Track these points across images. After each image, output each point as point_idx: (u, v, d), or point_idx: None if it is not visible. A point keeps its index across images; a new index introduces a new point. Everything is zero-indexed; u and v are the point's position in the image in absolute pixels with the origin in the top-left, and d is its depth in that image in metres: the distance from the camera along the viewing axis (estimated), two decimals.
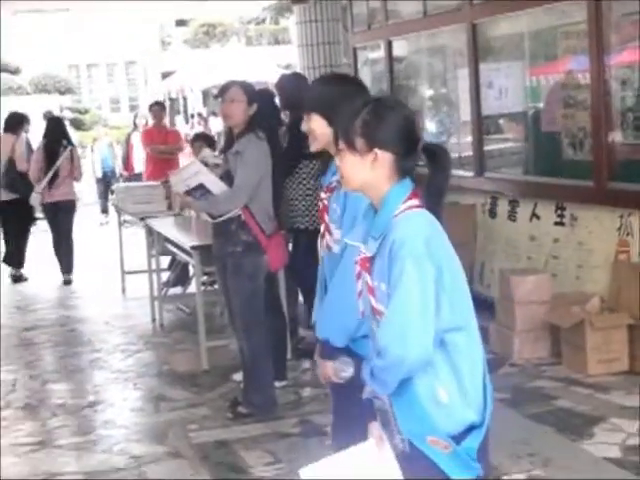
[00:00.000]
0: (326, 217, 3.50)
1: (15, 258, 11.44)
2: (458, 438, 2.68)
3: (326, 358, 3.41)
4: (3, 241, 11.60)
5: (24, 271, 11.51)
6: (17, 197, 11.01)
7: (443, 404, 2.66)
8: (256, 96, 5.93)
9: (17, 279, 11.42)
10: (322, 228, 3.55)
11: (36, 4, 13.67)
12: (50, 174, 10.73)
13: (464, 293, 2.74)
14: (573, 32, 7.04)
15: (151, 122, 13.83)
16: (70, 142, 11.26)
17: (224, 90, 5.95)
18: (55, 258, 11.33)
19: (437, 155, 2.78)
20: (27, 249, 11.54)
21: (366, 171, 2.74)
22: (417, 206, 2.69)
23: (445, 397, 2.66)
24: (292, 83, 7.40)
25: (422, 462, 2.71)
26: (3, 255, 11.55)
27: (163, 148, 12.30)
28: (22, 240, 11.43)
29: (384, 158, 2.71)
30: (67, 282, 11.05)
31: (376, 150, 2.71)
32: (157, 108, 13.08)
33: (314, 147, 3.56)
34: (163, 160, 11.97)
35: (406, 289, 2.58)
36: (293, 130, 6.68)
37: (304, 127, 3.59)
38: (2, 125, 11.89)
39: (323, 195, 3.54)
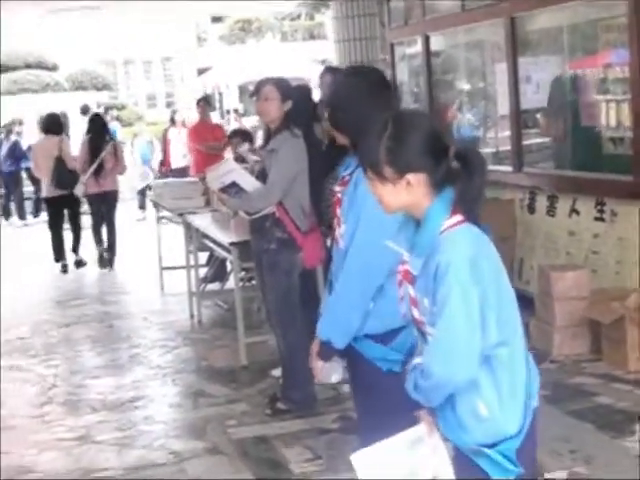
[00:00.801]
0: (338, 210, 3.48)
1: (76, 246, 12.17)
2: (495, 444, 2.69)
3: (325, 359, 3.42)
4: (71, 232, 12.22)
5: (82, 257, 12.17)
6: (67, 193, 11.62)
7: (483, 418, 2.67)
8: (290, 92, 5.93)
9: (78, 263, 12.08)
10: (335, 222, 3.54)
11: (65, 3, 13.71)
12: (94, 166, 11.39)
13: (510, 305, 2.72)
14: (613, 25, 6.97)
15: (195, 118, 13.90)
16: (112, 137, 12.04)
17: (258, 88, 5.98)
18: (93, 245, 11.99)
19: (470, 159, 2.66)
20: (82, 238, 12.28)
21: (402, 196, 2.67)
22: (460, 222, 2.62)
23: (485, 411, 2.66)
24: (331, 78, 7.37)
25: (463, 459, 2.75)
26: (71, 244, 12.21)
27: (213, 144, 12.33)
28: (77, 231, 12.17)
29: (417, 180, 2.64)
30: (105, 267, 11.78)
31: (408, 176, 2.64)
32: (204, 103, 13.31)
33: (339, 141, 3.57)
34: (212, 156, 11.97)
35: (451, 316, 2.56)
36: None
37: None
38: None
39: (337, 188, 3.53)
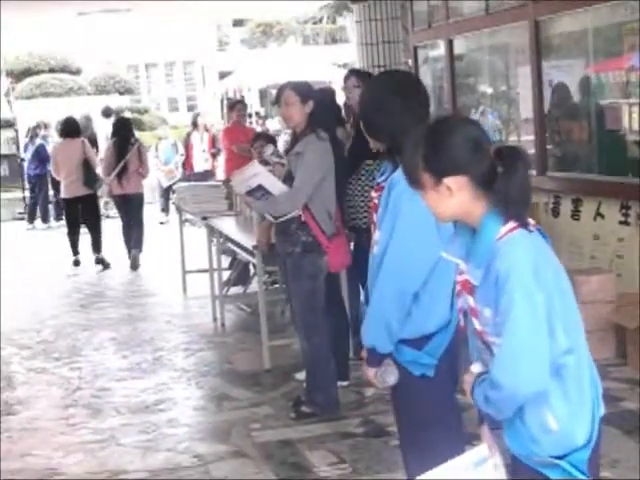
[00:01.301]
0: (374, 216, 3.49)
1: (96, 245, 12.46)
2: (565, 455, 2.64)
3: (373, 365, 3.42)
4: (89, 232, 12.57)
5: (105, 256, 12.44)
6: (89, 194, 12.12)
7: (552, 431, 2.61)
8: (310, 93, 5.94)
9: (99, 261, 12.36)
10: (372, 228, 3.55)
11: (99, 4, 13.83)
12: (118, 168, 11.73)
13: (574, 311, 2.68)
14: (637, 28, 6.93)
15: (216, 121, 13.97)
16: (137, 140, 12.32)
17: (279, 95, 6.07)
18: (124, 245, 12.33)
19: (510, 158, 2.58)
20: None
21: (448, 203, 2.62)
22: (516, 227, 2.56)
23: (555, 425, 2.61)
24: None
25: (527, 472, 2.70)
26: (91, 243, 12.55)
27: (245, 146, 12.35)
28: (99, 227, 12.57)
29: (458, 184, 2.58)
30: (136, 268, 12.05)
31: (444, 180, 2.58)
32: (241, 106, 13.37)
33: (372, 145, 3.58)
34: (244, 158, 11.99)
35: (516, 323, 2.50)
36: (357, 128, 6.66)
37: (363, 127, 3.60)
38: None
39: (374, 194, 3.54)
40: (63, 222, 16.79)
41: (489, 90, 9.68)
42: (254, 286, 9.36)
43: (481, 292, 2.60)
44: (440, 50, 10.11)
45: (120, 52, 31.93)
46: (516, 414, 2.64)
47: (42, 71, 29.77)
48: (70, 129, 12.34)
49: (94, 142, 17.18)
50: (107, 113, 19.86)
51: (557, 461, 2.63)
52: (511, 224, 2.56)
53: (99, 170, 12.31)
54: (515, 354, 2.52)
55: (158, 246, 13.22)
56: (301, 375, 6.43)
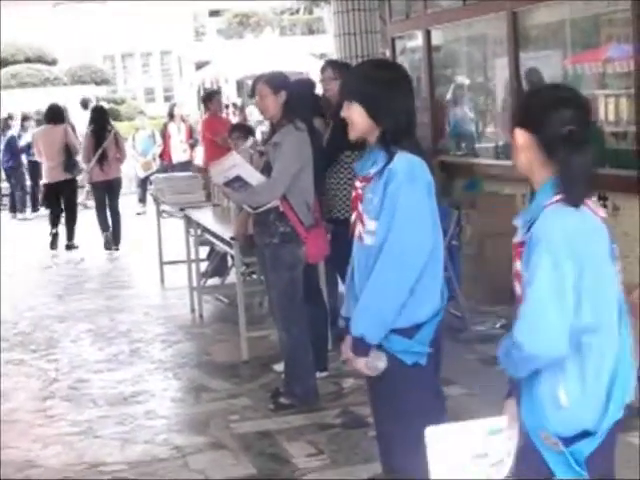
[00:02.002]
0: (360, 206, 3.48)
1: (70, 231, 13.08)
2: (569, 441, 2.65)
3: (361, 355, 3.41)
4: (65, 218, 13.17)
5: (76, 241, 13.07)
6: (69, 178, 12.81)
7: (562, 407, 2.64)
8: (283, 84, 5.94)
9: (70, 248, 12.92)
10: (353, 216, 3.54)
11: None
12: (97, 155, 12.23)
13: (610, 295, 2.71)
14: (616, 20, 6.96)
15: (192, 112, 13.97)
16: (113, 128, 12.82)
17: (253, 88, 6.15)
18: (99, 232, 12.71)
19: (577, 136, 2.64)
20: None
21: (519, 155, 2.73)
22: (565, 200, 2.62)
23: (565, 401, 2.64)
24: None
25: (532, 455, 2.72)
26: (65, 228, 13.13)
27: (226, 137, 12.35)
28: (75, 213, 13.18)
29: (524, 138, 2.69)
30: (110, 248, 12.57)
31: (515, 130, 2.70)
32: (219, 97, 13.43)
33: (352, 135, 3.56)
34: (223, 148, 11.96)
35: (539, 287, 2.56)
36: (335, 120, 6.66)
37: (343, 115, 3.57)
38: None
39: (358, 184, 3.53)
40: (39, 213, 16.85)
41: (466, 81, 9.69)
42: (232, 277, 9.35)
43: (525, 253, 2.66)
44: (417, 41, 10.12)
45: (96, 42, 31.81)
46: (532, 383, 2.68)
47: (18, 61, 29.61)
48: (53, 115, 12.89)
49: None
50: (85, 104, 19.80)
51: (561, 447, 2.64)
52: (560, 196, 2.62)
53: (79, 157, 12.74)
54: (535, 316, 2.58)
55: (135, 237, 13.17)
56: (279, 367, 6.43)
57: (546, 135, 2.65)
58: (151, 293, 9.80)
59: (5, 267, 11.55)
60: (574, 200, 2.62)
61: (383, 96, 3.46)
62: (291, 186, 5.78)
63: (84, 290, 10.30)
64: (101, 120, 12.62)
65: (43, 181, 13.43)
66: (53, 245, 13.00)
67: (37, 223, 16.24)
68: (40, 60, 30.02)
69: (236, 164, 5.95)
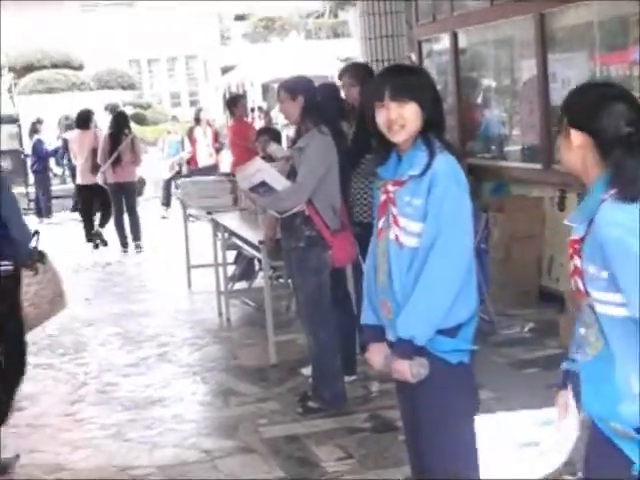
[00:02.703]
0: (394, 209, 3.46)
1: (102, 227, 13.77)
2: None
3: (407, 357, 3.40)
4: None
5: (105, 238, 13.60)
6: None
7: (632, 393, 2.60)
8: (300, 88, 5.95)
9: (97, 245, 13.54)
10: (382, 220, 3.52)
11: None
12: (112, 158, 12.72)
13: None
14: None
15: (219, 116, 14.02)
16: (131, 132, 13.30)
17: (278, 93, 6.14)
18: (116, 234, 13.12)
19: (634, 137, 2.64)
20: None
21: (569, 153, 2.73)
22: (621, 194, 2.60)
23: (636, 387, 2.60)
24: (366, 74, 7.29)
25: (605, 447, 2.68)
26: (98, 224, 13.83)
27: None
28: (106, 216, 13.71)
29: (579, 139, 2.68)
30: (138, 247, 13.01)
31: (570, 129, 2.69)
32: (244, 101, 13.56)
33: (401, 137, 3.49)
34: (250, 153, 12.03)
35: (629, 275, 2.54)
36: (359, 123, 6.66)
37: (392, 114, 3.49)
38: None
39: (390, 188, 3.49)
40: (64, 217, 16.97)
41: (493, 83, 9.66)
42: (259, 281, 9.36)
43: (587, 248, 2.65)
44: (444, 44, 10.08)
45: (122, 47, 31.92)
46: (600, 373, 2.66)
47: (45, 66, 29.80)
48: (81, 121, 13.85)
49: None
50: (112, 109, 19.89)
51: (635, 434, 2.60)
52: (616, 190, 2.61)
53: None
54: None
55: (161, 241, 13.21)
56: (307, 370, 6.42)
57: (604, 137, 2.65)
58: (178, 297, 9.81)
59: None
60: (630, 196, 2.61)
61: (436, 96, 3.55)
62: (317, 190, 5.77)
63: (111, 293, 10.33)
64: (120, 124, 13.13)
65: (77, 182, 14.47)
66: (96, 246, 13.53)
67: (64, 227, 16.32)
68: (66, 65, 30.19)
69: (261, 169, 5.95)
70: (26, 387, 6.91)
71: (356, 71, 7.20)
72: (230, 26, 39.65)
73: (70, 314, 9.24)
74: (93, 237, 13.62)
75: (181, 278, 10.20)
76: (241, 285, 9.43)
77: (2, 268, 5.23)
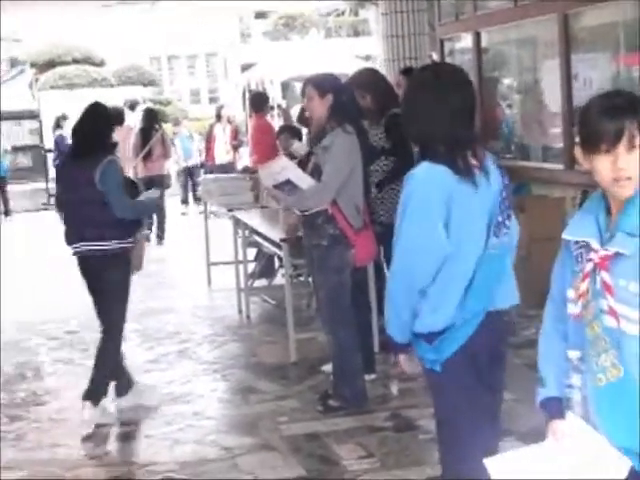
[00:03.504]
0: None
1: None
2: None
3: (396, 352, 3.54)
4: None
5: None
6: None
7: None
8: (330, 86, 5.91)
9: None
10: None
11: None
12: (144, 152, 13.28)
13: None
14: None
15: (239, 114, 14.07)
16: (161, 127, 13.91)
17: (303, 90, 6.10)
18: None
19: None
20: None
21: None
22: None
23: None
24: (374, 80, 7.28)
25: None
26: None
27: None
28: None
29: None
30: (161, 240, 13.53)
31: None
32: (266, 99, 13.68)
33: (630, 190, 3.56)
34: (275, 150, 12.06)
35: None
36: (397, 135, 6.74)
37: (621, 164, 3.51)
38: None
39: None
40: None
41: (515, 83, 9.63)
42: (279, 279, 9.37)
43: (630, 263, 2.51)
44: (466, 42, 10.06)
45: (143, 44, 31.99)
46: (628, 399, 2.53)
47: (66, 62, 29.88)
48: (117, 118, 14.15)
49: None
50: (131, 106, 19.95)
51: None
52: None
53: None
54: None
55: (181, 237, 13.24)
56: (328, 367, 6.42)
57: None
58: (198, 294, 9.83)
59: (54, 267, 11.65)
60: None
61: (406, 108, 3.54)
62: (340, 189, 5.77)
63: (131, 290, 10.31)
64: (150, 120, 13.69)
65: None
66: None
67: None
68: (87, 61, 30.27)
69: (286, 167, 5.95)
70: (48, 382, 7.01)
71: (364, 81, 7.14)
72: (250, 24, 39.69)
73: (91, 310, 9.30)
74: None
75: (201, 275, 10.21)
76: (261, 283, 9.44)
77: (112, 247, 5.93)
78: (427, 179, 3.31)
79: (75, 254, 6.17)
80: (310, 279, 7.88)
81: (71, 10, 18.31)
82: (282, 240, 6.92)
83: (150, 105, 19.68)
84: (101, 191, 5.84)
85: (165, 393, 6.58)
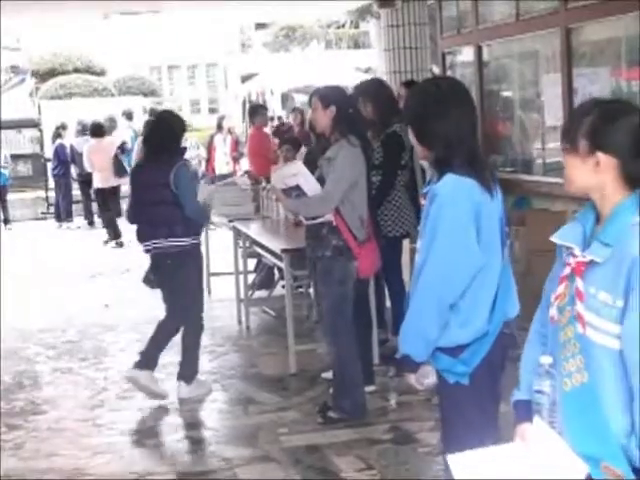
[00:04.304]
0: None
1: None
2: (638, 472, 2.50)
3: (408, 371, 3.45)
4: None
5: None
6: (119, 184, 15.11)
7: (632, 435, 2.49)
8: (334, 98, 5.93)
9: (119, 245, 14.48)
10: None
11: (127, 5, 13.95)
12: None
13: None
14: None
15: (238, 124, 14.03)
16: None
17: (309, 100, 6.17)
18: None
19: None
20: None
21: (588, 175, 2.60)
22: None
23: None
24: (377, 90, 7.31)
25: None
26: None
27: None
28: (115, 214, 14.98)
29: (608, 163, 2.57)
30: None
31: (598, 154, 2.57)
32: (265, 112, 13.57)
33: (421, 155, 3.60)
34: (270, 163, 12.07)
35: None
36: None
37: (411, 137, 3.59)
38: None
39: (423, 202, 3.54)
40: (83, 223, 17.07)
41: (517, 97, 9.64)
42: (278, 290, 9.36)
43: (601, 273, 2.54)
44: (467, 56, 10.08)
45: (143, 54, 32.08)
46: (592, 412, 2.54)
47: (67, 71, 29.92)
48: (96, 130, 15.11)
49: (121, 143, 17.47)
50: (129, 116, 19.99)
51: (623, 477, 2.50)
52: None
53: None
54: None
55: None
56: (328, 375, 6.42)
57: (633, 161, 2.57)
58: None
59: (53, 276, 11.67)
60: None
61: (430, 119, 3.46)
62: (344, 200, 5.78)
63: (131, 299, 10.33)
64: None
65: (96, 186, 15.24)
66: (120, 244, 14.50)
67: (86, 231, 16.38)
68: (88, 71, 30.32)
69: (298, 173, 5.96)
70: (46, 391, 7.00)
71: (367, 90, 7.19)
72: (251, 35, 39.78)
73: (90, 319, 9.32)
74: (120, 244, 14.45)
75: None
76: (260, 293, 9.43)
77: (183, 244, 6.44)
78: (456, 192, 3.33)
79: (147, 252, 6.69)
80: (310, 290, 7.89)
81: (72, 20, 18.31)
82: (283, 251, 6.92)
83: (144, 115, 19.74)
84: (174, 192, 6.29)
85: (165, 403, 6.57)
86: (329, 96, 5.96)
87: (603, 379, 2.53)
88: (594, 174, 2.59)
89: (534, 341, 2.86)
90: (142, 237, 6.62)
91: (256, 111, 13.55)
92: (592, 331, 2.55)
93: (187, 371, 6.67)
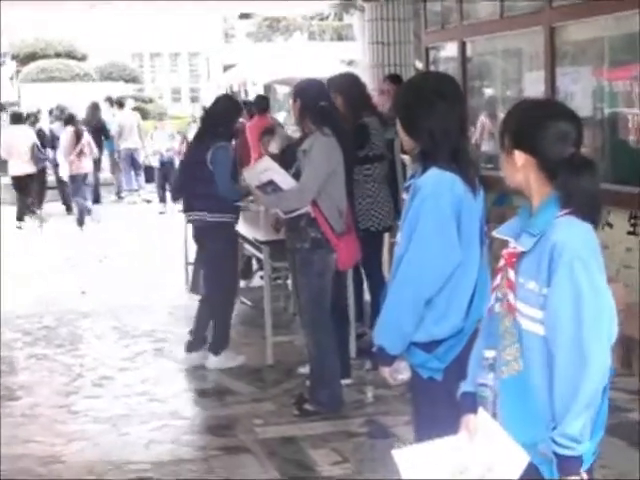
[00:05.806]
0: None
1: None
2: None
3: (383, 364, 3.45)
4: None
5: None
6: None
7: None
8: (298, 91, 6.02)
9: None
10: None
11: None
12: (76, 151, 14.92)
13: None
14: None
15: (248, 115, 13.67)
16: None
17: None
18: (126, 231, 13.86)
19: (583, 167, 2.67)
20: None
21: (514, 172, 2.73)
22: (575, 213, 2.64)
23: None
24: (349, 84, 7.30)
25: (530, 471, 2.67)
26: None
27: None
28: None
29: (528, 161, 2.69)
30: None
31: (515, 151, 2.70)
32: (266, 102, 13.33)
33: (407, 147, 3.60)
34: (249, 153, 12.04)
35: (577, 296, 2.56)
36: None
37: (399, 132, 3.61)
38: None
39: (405, 196, 3.55)
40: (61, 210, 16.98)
41: (499, 94, 9.66)
42: (256, 281, 9.35)
43: (527, 263, 2.65)
44: (451, 51, 10.08)
45: (126, 40, 31.92)
46: (526, 399, 2.65)
47: (48, 56, 29.75)
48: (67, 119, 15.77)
49: (102, 129, 17.43)
50: (111, 102, 19.88)
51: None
52: (570, 210, 2.64)
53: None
54: (580, 329, 2.58)
55: (159, 237, 13.19)
56: (305, 369, 6.42)
57: (549, 159, 2.67)
58: (175, 294, 9.78)
59: (29, 264, 11.61)
60: (588, 217, 2.66)
61: (415, 112, 3.46)
62: (322, 192, 5.78)
63: (108, 288, 10.29)
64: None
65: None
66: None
67: (57, 220, 16.29)
68: (70, 55, 30.17)
69: (269, 168, 5.98)
70: (21, 377, 6.97)
71: (338, 83, 7.18)
72: (234, 24, 39.66)
73: (67, 306, 9.28)
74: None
75: (179, 275, 10.16)
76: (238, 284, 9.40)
77: (215, 219, 6.82)
78: (439, 186, 3.33)
79: (188, 222, 7.43)
80: (289, 282, 7.89)
81: (56, 7, 18.23)
82: (263, 242, 6.92)
83: (130, 102, 19.63)
84: (211, 170, 6.71)
85: (140, 391, 6.56)
86: (296, 89, 6.08)
87: (534, 366, 2.64)
88: (518, 171, 2.72)
89: (482, 335, 2.93)
90: (185, 208, 7.19)
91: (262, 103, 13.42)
92: (523, 319, 2.67)
93: (215, 342, 7.02)
